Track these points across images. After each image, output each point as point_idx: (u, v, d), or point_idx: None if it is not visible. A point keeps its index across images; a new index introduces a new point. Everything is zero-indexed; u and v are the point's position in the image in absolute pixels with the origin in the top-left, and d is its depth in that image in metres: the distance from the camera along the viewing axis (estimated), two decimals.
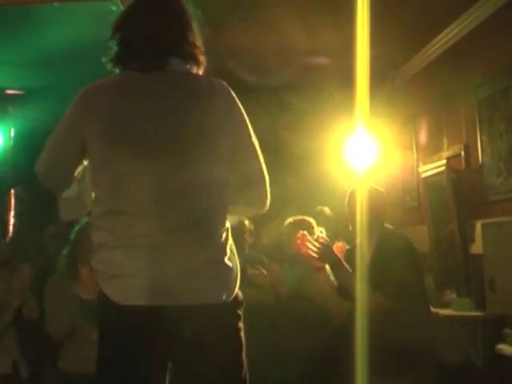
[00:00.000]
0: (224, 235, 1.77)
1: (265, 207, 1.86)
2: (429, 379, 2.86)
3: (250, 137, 1.85)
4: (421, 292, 3.02)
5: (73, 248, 3.18)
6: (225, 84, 1.83)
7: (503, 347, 3.33)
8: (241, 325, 1.78)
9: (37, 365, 3.36)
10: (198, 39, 1.87)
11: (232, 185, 1.80)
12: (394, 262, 2.81)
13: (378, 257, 2.95)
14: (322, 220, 4.36)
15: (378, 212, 3.04)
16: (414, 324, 2.75)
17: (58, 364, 3.11)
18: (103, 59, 1.85)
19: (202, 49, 1.88)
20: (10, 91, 5.57)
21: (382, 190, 3.25)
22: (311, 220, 3.83)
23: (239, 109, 1.83)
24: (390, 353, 2.73)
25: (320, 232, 3.85)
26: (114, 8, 2.68)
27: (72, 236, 3.21)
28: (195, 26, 1.88)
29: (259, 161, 1.84)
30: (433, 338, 2.93)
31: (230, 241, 1.81)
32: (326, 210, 4.57)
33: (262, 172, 1.84)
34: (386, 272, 2.81)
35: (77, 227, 3.18)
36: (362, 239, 3.10)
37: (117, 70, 1.85)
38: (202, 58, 1.88)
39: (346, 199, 3.17)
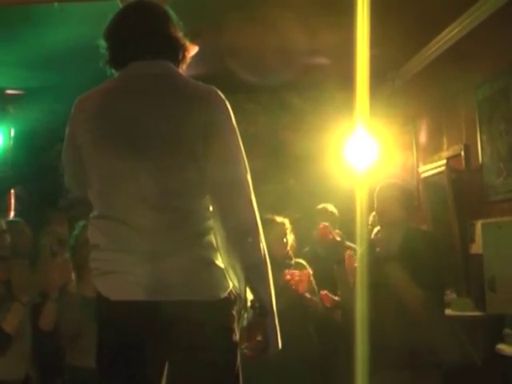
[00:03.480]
0: (212, 237, 1.78)
1: (247, 212, 1.75)
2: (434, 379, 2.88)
3: (236, 144, 1.80)
4: (439, 294, 3.02)
5: (73, 252, 3.26)
6: (216, 90, 1.83)
7: (503, 347, 3.34)
8: (234, 325, 1.77)
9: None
10: (181, 38, 1.89)
11: (215, 191, 1.78)
12: (419, 260, 2.82)
13: (402, 253, 2.94)
14: (325, 218, 4.34)
15: (405, 207, 3.05)
16: (428, 324, 2.79)
17: (66, 360, 3.18)
18: (101, 64, 1.89)
19: (186, 45, 1.91)
20: (9, 91, 5.57)
21: (410, 187, 3.28)
22: (283, 220, 3.78)
23: (228, 115, 1.81)
24: (402, 349, 2.76)
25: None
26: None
27: (71, 241, 3.30)
28: (178, 27, 1.90)
29: (242, 167, 1.79)
30: (438, 340, 2.94)
31: (217, 243, 1.81)
32: (330, 207, 4.51)
33: (245, 177, 1.78)
34: (411, 269, 2.82)
35: (75, 232, 3.26)
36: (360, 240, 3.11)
37: (113, 72, 1.89)
38: (187, 56, 1.91)
39: (376, 193, 3.16)
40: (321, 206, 4.48)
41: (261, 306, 1.68)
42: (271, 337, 1.69)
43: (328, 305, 3.43)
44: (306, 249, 4.29)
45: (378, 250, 3.02)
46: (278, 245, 3.51)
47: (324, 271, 3.58)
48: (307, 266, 3.68)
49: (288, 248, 3.65)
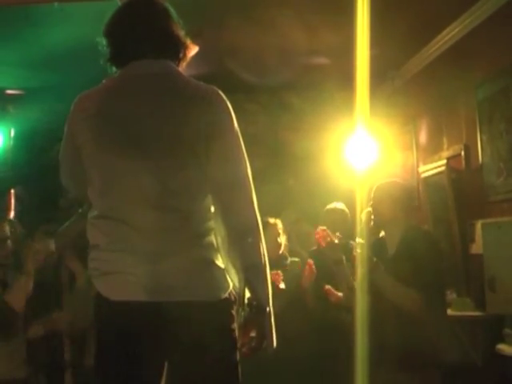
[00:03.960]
0: (213, 237, 1.78)
1: (248, 212, 1.76)
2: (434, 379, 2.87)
3: (237, 144, 1.81)
4: (440, 294, 3.00)
5: None
6: (217, 90, 1.82)
7: (503, 347, 3.33)
8: (234, 325, 1.77)
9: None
10: (182, 36, 1.88)
11: (216, 191, 1.78)
12: (419, 261, 2.78)
13: (401, 252, 2.91)
14: (335, 217, 4.30)
15: (403, 207, 3.01)
16: (430, 325, 2.78)
17: (83, 362, 3.22)
18: (101, 61, 1.88)
19: (187, 44, 1.89)
20: (9, 91, 5.57)
21: (408, 185, 3.23)
22: (275, 221, 3.80)
23: (230, 115, 1.81)
24: (404, 350, 2.75)
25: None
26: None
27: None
28: (179, 24, 1.89)
29: (243, 167, 1.79)
30: (439, 339, 2.93)
31: (218, 244, 1.81)
32: (340, 205, 4.41)
33: (246, 177, 1.79)
34: (410, 269, 2.79)
35: None
36: (361, 239, 3.11)
37: (114, 69, 1.88)
38: (187, 54, 1.90)
39: (372, 193, 3.12)
40: (331, 205, 4.42)
41: (258, 305, 1.69)
42: (267, 335, 1.69)
43: (333, 299, 3.42)
44: (315, 247, 4.26)
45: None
46: (273, 246, 3.58)
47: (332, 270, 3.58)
48: (300, 263, 3.74)
49: (282, 248, 3.72)
